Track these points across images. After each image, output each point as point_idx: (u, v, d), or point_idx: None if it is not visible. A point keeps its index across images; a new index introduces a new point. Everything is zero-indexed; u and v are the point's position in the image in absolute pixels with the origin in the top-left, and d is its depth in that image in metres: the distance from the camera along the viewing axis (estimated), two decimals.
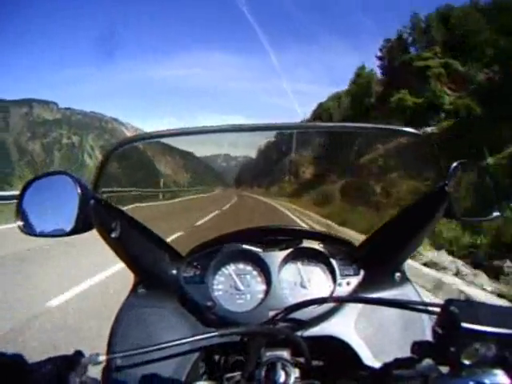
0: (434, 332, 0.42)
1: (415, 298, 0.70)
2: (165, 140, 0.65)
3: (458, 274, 3.86)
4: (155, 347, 0.53)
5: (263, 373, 0.53)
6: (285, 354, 0.61)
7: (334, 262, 0.72)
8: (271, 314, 0.64)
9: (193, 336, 0.56)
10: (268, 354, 0.59)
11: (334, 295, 0.68)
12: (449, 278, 3.62)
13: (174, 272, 0.71)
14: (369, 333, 0.65)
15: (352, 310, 0.67)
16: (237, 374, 0.60)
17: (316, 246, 0.75)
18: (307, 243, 0.75)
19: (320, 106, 38.60)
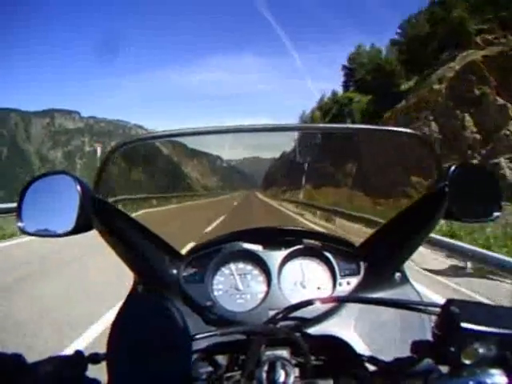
0: (434, 332, 0.42)
1: (415, 298, 0.69)
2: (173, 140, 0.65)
3: None
4: (155, 347, 0.53)
5: (263, 372, 0.52)
6: (285, 353, 0.61)
7: (334, 261, 0.72)
8: (271, 313, 0.63)
9: (193, 336, 0.56)
10: (268, 353, 0.59)
11: (334, 295, 0.68)
12: None
13: (174, 272, 0.71)
14: (369, 333, 0.65)
15: (352, 309, 0.67)
16: (237, 374, 0.60)
17: (316, 245, 0.75)
18: (307, 243, 0.75)
19: (321, 99, 37.28)
